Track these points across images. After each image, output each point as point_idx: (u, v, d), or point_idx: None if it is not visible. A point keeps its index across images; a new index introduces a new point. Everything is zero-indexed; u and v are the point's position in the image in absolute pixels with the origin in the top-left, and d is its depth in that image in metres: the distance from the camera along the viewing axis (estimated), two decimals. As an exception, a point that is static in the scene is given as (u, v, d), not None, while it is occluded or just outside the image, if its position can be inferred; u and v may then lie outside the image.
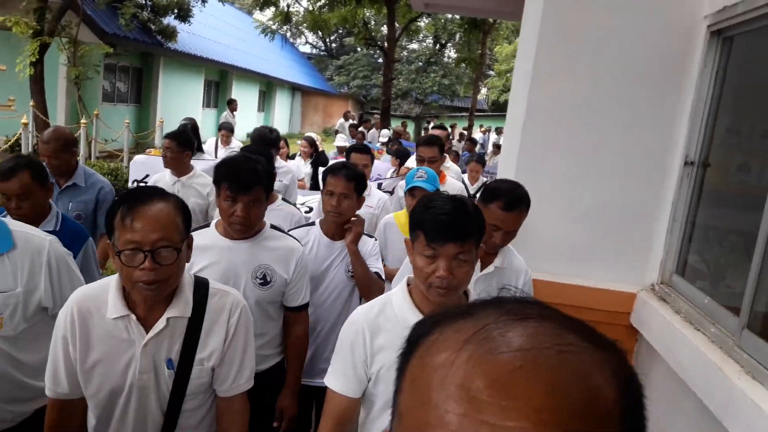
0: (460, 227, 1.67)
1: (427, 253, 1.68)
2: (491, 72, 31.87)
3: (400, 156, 6.87)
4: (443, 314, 0.53)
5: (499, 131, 20.15)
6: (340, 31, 27.42)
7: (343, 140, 9.72)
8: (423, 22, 26.60)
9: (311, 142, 7.43)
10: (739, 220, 2.43)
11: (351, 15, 16.79)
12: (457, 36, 27.82)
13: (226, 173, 2.26)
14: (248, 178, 2.23)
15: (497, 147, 13.61)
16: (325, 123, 29.27)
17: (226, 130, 8.26)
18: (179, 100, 18.04)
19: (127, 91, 16.60)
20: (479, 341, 0.46)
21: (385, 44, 17.69)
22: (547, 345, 0.46)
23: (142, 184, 4.73)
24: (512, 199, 2.23)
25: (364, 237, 2.83)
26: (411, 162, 5.50)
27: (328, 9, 17.52)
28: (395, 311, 1.75)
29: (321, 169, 5.17)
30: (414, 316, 1.69)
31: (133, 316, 1.67)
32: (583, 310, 2.68)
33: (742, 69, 2.58)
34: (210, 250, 2.29)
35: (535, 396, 0.42)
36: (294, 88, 29.26)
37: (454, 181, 4.64)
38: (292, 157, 7.43)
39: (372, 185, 4.34)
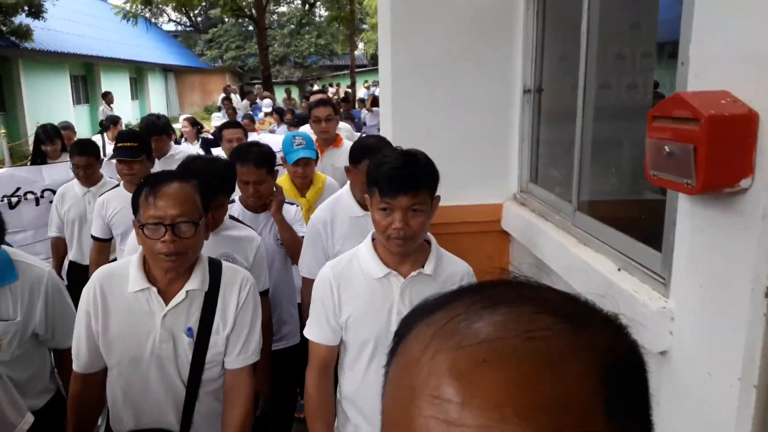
0: (411, 178, 1.75)
1: (382, 206, 1.77)
2: (365, 26, 32.20)
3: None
4: (423, 306, 0.51)
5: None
6: (204, 4, 26.64)
7: (219, 119, 9.81)
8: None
9: (192, 122, 7.62)
10: (568, 132, 3.07)
11: (214, -12, 16.48)
12: (325, -6, 27.80)
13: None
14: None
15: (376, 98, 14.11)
16: (205, 101, 28.59)
17: (113, 125, 8.18)
18: (47, 100, 17.17)
19: (-11, 100, 15.64)
20: (444, 335, 0.44)
21: (254, 12, 17.58)
22: (514, 333, 0.43)
23: (14, 198, 4.36)
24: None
25: (286, 205, 2.99)
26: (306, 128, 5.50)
27: (189, -16, 17.10)
28: (360, 264, 1.87)
29: (214, 150, 5.31)
30: (378, 269, 1.85)
31: (154, 289, 1.82)
32: (465, 224, 3.28)
33: (554, 9, 3.19)
34: None
35: (498, 391, 0.40)
36: (166, 70, 28.28)
37: (350, 142, 4.95)
38: (178, 142, 7.54)
39: None
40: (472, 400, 0.40)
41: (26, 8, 14.72)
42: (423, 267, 1.88)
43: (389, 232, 1.76)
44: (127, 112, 18.91)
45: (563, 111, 3.10)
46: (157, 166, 3.96)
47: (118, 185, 3.67)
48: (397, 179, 1.75)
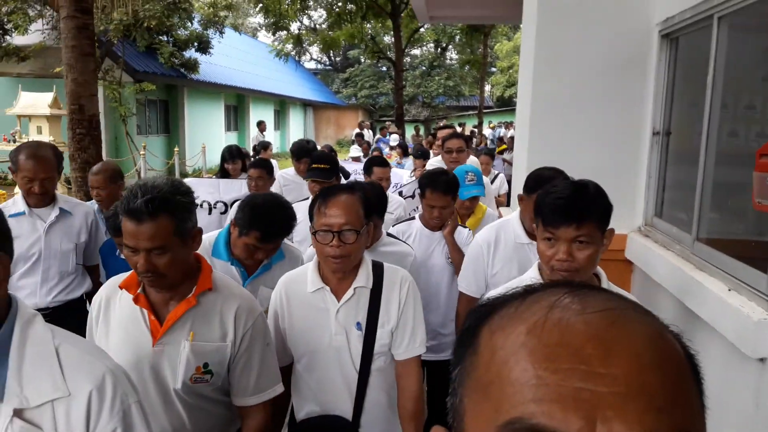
0: (575, 209, 1.72)
1: (546, 236, 1.78)
2: (493, 68, 32.78)
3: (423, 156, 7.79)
4: (497, 300, 0.55)
5: (508, 126, 21.05)
6: (344, 45, 28.71)
7: (357, 150, 10.60)
8: (423, 29, 27.62)
9: (329, 149, 8.39)
10: (690, 172, 3.36)
11: (358, 31, 17.82)
12: (457, 38, 28.75)
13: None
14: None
15: (512, 139, 14.48)
16: (338, 135, 30.38)
17: (263, 149, 9.21)
18: (204, 126, 19.22)
19: (157, 123, 17.80)
20: (563, 307, 0.48)
21: (393, 55, 18.72)
22: (623, 306, 0.49)
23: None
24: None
25: (459, 228, 3.27)
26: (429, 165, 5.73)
27: (336, 27, 18.56)
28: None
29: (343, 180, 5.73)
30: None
31: (328, 288, 2.04)
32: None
33: (684, 61, 3.53)
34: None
35: (633, 344, 0.45)
36: (305, 105, 30.42)
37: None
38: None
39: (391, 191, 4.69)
40: (614, 352, 0.44)
41: (196, 44, 16.71)
42: None
43: (553, 263, 1.76)
44: (271, 141, 20.62)
45: (688, 153, 3.41)
46: (303, 187, 4.39)
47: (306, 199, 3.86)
48: (560, 209, 1.74)
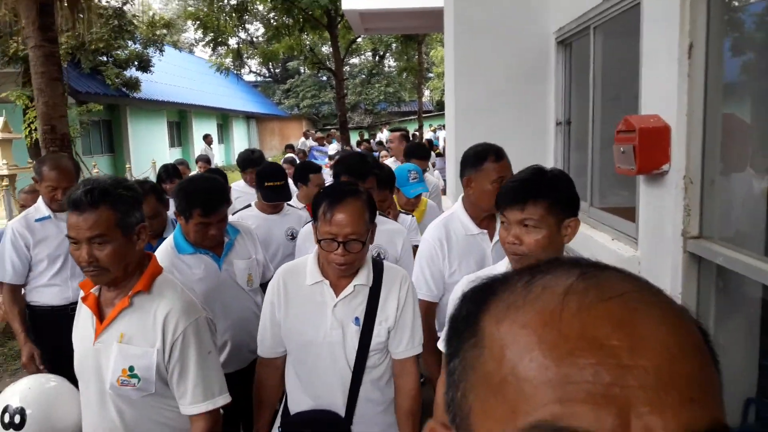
0: (521, 191, 1.70)
1: (501, 220, 1.79)
2: (431, 75, 33.81)
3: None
4: (494, 281, 0.51)
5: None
6: (282, 57, 29.11)
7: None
8: (361, 39, 28.32)
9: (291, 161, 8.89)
10: (584, 153, 4.07)
11: (296, 43, 18.34)
12: (393, 46, 29.62)
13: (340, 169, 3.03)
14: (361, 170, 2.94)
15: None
16: (283, 145, 30.66)
17: (203, 162, 9.21)
18: (148, 143, 19.33)
19: (101, 142, 17.83)
20: (580, 293, 0.45)
21: (333, 65, 19.33)
22: (640, 287, 0.46)
23: None
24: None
25: (401, 215, 3.46)
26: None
27: (275, 40, 19.03)
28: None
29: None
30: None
31: (327, 282, 2.03)
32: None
33: (575, 62, 4.26)
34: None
35: (660, 332, 0.42)
36: (248, 117, 30.65)
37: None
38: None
39: None
40: (641, 342, 0.42)
41: (136, 63, 16.86)
42: None
43: (505, 246, 1.75)
44: (215, 154, 20.85)
45: (584, 139, 4.13)
46: (253, 197, 4.17)
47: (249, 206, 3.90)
48: (509, 191, 1.74)
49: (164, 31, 17.52)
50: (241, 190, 4.96)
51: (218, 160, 22.25)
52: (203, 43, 19.55)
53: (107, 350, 1.83)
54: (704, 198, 2.40)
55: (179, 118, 23.05)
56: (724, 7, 2.37)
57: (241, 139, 29.54)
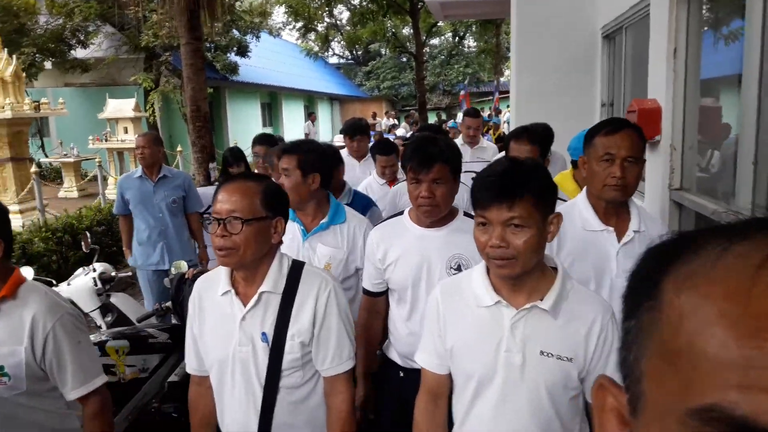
0: (507, 187, 1.48)
1: (479, 221, 1.54)
2: (510, 55, 34.01)
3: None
4: (682, 241, 0.46)
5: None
6: (365, 41, 30.36)
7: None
8: (441, 23, 29.09)
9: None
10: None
11: (380, 28, 19.46)
12: (473, 27, 30.16)
13: (408, 155, 2.19)
14: (428, 156, 2.12)
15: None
16: (364, 126, 31.96)
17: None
18: (244, 123, 21.11)
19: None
20: None
21: (413, 48, 20.38)
22: None
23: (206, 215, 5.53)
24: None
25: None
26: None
27: (360, 25, 20.22)
28: (472, 289, 1.64)
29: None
30: (488, 296, 1.59)
31: (233, 291, 1.82)
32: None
33: (616, 53, 5.16)
34: (402, 240, 2.26)
35: None
36: (332, 99, 32.18)
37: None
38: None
39: None
40: None
41: (235, 48, 18.52)
42: (541, 300, 1.56)
43: (487, 251, 1.53)
44: (301, 133, 22.44)
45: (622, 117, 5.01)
46: (358, 168, 4.65)
47: None
48: (491, 187, 1.52)
49: (260, 19, 19.06)
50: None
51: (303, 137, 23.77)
52: (292, 28, 20.98)
53: None
54: (684, 160, 3.34)
55: (270, 100, 24.78)
56: (701, 22, 3.28)
57: (325, 119, 31.12)
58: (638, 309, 0.46)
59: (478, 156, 5.16)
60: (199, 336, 1.93)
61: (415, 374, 2.21)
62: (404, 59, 33.17)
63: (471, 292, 1.65)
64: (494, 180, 1.53)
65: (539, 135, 3.24)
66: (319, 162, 2.63)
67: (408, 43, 24.21)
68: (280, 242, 1.87)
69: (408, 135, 14.71)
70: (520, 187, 1.50)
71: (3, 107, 8.92)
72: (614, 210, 2.14)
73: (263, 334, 1.82)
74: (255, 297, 1.82)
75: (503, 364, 1.58)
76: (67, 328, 1.96)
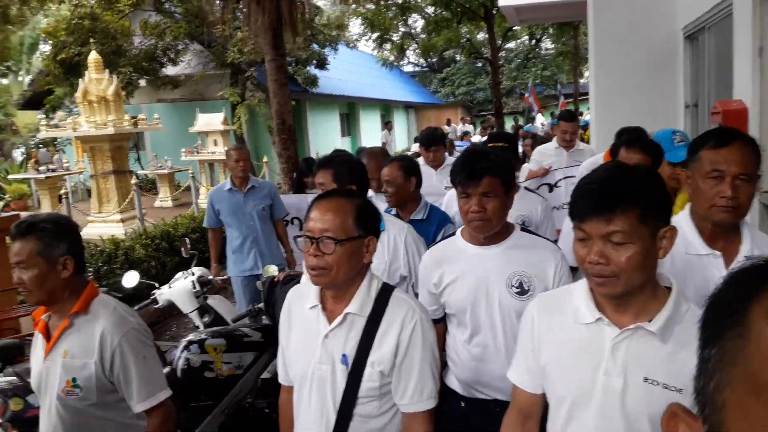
0: (605, 197, 1.35)
1: (579, 236, 1.42)
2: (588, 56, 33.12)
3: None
4: None
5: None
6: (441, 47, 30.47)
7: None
8: (517, 27, 28.76)
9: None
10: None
11: (455, 35, 19.52)
12: (550, 30, 29.65)
13: (457, 169, 2.12)
14: (477, 169, 2.04)
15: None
16: (440, 132, 32.01)
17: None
18: (324, 134, 21.71)
19: (284, 133, 20.46)
20: None
21: (489, 54, 20.33)
22: None
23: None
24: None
25: None
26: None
27: (434, 33, 20.35)
28: (573, 303, 1.52)
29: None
30: (588, 313, 1.47)
31: (320, 306, 1.78)
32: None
33: (699, 53, 5.03)
34: (457, 261, 2.18)
35: None
36: (407, 107, 32.44)
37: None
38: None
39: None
40: None
41: (315, 61, 19.10)
42: (649, 321, 1.42)
43: (586, 266, 1.41)
44: (379, 142, 22.80)
45: (708, 119, 4.89)
46: (435, 177, 4.52)
47: None
48: (588, 198, 1.40)
49: (337, 32, 19.58)
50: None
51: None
52: (368, 39, 21.36)
53: (54, 366, 2.06)
54: (773, 160, 3.26)
55: (348, 110, 25.32)
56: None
57: (401, 128, 31.41)
58: (720, 337, 0.44)
59: (575, 159, 4.79)
60: (285, 347, 1.92)
61: (478, 404, 2.16)
62: (479, 64, 32.97)
63: (570, 307, 1.53)
64: (594, 189, 1.41)
65: (653, 145, 2.92)
66: (353, 174, 2.70)
67: (483, 48, 24.10)
68: (370, 261, 1.83)
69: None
70: (623, 197, 1.36)
71: (106, 124, 9.66)
72: (722, 232, 1.87)
73: (344, 356, 1.76)
74: (340, 317, 1.77)
75: (601, 388, 1.45)
76: (132, 343, 2.05)
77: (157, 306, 4.30)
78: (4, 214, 4.50)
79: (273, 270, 3.87)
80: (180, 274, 4.41)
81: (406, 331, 1.74)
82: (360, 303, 1.77)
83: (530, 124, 18.83)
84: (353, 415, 1.76)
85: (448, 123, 20.61)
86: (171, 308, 4.53)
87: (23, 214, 4.43)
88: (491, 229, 2.10)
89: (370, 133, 25.64)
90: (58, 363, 2.05)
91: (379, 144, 22.57)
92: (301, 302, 1.88)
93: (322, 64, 19.04)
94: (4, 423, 3.00)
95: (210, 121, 12.17)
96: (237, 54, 14.25)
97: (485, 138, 5.78)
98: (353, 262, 1.74)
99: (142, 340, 2.11)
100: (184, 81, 16.43)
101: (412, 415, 1.79)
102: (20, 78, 24.37)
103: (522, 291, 2.07)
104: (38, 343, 2.17)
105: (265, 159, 13.05)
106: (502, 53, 35.49)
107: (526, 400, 1.64)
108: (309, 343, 1.81)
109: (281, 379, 2.01)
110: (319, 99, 21.00)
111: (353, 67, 27.71)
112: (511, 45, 36.48)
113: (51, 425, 2.09)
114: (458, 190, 2.11)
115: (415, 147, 12.92)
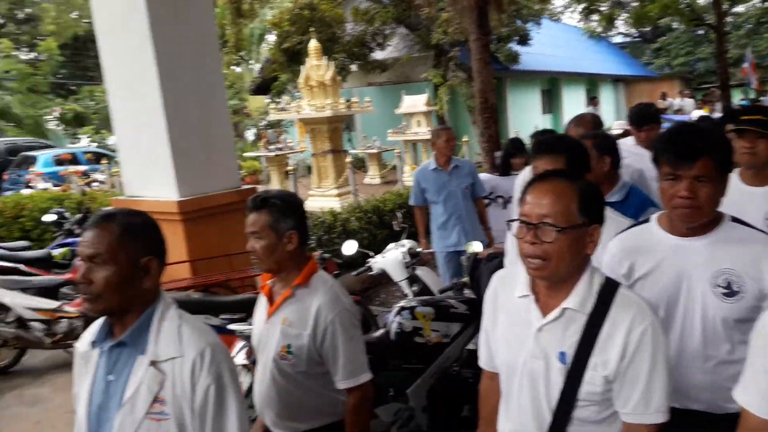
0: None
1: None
2: None
3: None
4: None
5: None
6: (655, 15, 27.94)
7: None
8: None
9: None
10: None
11: (672, 1, 17.88)
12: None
13: (662, 146, 1.88)
14: (691, 148, 1.79)
15: None
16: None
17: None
18: (524, 112, 21.37)
19: (484, 112, 20.52)
20: None
21: (712, 20, 18.28)
22: None
23: (486, 200, 5.30)
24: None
25: None
26: None
27: (648, 1, 18.82)
28: None
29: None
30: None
31: (533, 297, 1.67)
32: None
33: None
34: (652, 252, 1.96)
35: None
36: (616, 80, 30.46)
37: None
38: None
39: None
40: None
41: (516, 38, 18.78)
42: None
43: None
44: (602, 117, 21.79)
45: None
46: (646, 159, 3.60)
47: None
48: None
49: (541, 5, 19.03)
50: (631, 150, 4.07)
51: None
52: (573, 11, 20.41)
53: (274, 329, 2.21)
54: None
55: (550, 86, 24.53)
56: None
57: (608, 103, 29.66)
58: None
59: None
60: (491, 333, 1.83)
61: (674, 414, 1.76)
62: (700, 32, 29.75)
63: None
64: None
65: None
66: (583, 161, 2.48)
67: (706, 14, 21.70)
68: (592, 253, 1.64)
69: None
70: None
71: (324, 107, 10.60)
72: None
73: (561, 353, 1.62)
74: (557, 311, 1.63)
75: None
76: (344, 322, 2.14)
77: (371, 273, 4.75)
78: (244, 187, 5.20)
79: (477, 246, 4.06)
80: (392, 245, 4.80)
81: (634, 334, 1.56)
82: (581, 299, 1.61)
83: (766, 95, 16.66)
84: (571, 418, 1.62)
85: (663, 97, 18.96)
86: (381, 276, 4.97)
87: (259, 188, 5.10)
88: (700, 219, 1.84)
89: (574, 109, 24.45)
90: (277, 328, 2.20)
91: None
92: (509, 288, 1.77)
93: (524, 40, 18.68)
94: (249, 364, 3.56)
95: (414, 102, 12.75)
96: (441, 35, 14.61)
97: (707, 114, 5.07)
98: (574, 252, 1.58)
99: (353, 321, 2.20)
100: (391, 64, 17.17)
101: (633, 426, 1.61)
102: (251, 66, 27.41)
103: (730, 292, 1.82)
104: (262, 305, 2.35)
105: (465, 138, 13.27)
106: (729, 18, 31.61)
107: (760, 427, 1.43)
108: (518, 334, 1.70)
109: (483, 364, 1.91)
110: (519, 76, 20.66)
111: (556, 41, 26.70)
112: (739, 8, 32.35)
113: (264, 382, 2.26)
114: (663, 171, 1.86)
115: (618, 124, 12.22)
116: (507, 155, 5.19)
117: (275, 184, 12.81)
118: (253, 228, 2.15)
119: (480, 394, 1.97)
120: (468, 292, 3.88)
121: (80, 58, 32.10)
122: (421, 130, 12.40)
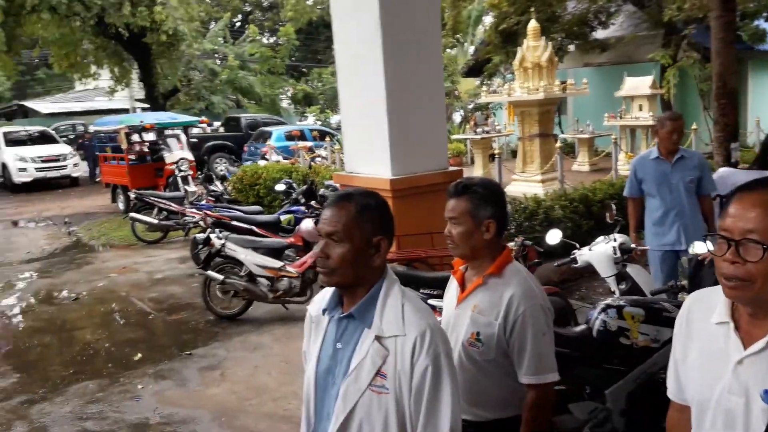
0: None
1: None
2: None
3: None
4: None
5: None
6: None
7: None
8: None
9: None
10: None
11: None
12: None
13: None
14: None
15: None
16: None
17: None
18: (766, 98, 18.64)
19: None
20: None
21: None
22: None
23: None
24: None
25: None
26: None
27: None
28: None
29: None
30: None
31: (732, 325, 1.48)
32: None
33: None
34: None
35: None
36: None
37: None
38: None
39: None
40: None
41: (765, 14, 16.32)
42: None
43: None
44: None
45: None
46: None
47: None
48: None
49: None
50: None
51: None
52: None
53: (463, 316, 2.22)
54: None
55: (804, 69, 21.08)
56: None
57: None
58: None
59: None
60: (681, 361, 1.63)
61: None
62: None
63: None
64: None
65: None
66: None
67: None
68: None
69: None
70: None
71: (537, 89, 10.34)
72: None
73: (766, 392, 1.40)
74: (762, 342, 1.42)
75: None
76: (536, 317, 2.11)
77: (575, 266, 4.58)
78: (451, 168, 5.31)
79: (701, 248, 3.69)
80: (601, 238, 4.56)
81: None
82: None
83: None
84: None
85: None
86: (583, 269, 4.75)
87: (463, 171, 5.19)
88: None
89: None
90: (467, 314, 2.20)
91: None
92: (705, 312, 1.56)
93: (776, 16, 16.21)
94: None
95: (637, 84, 11.82)
96: (675, 11, 13.30)
97: None
98: None
99: (546, 318, 2.17)
100: (613, 44, 16.15)
101: None
102: (465, 48, 27.59)
103: None
104: (452, 289, 2.36)
105: (693, 126, 12.02)
106: None
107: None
108: (713, 365, 1.50)
109: (671, 394, 1.71)
110: (765, 57, 17.99)
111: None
112: None
113: None
114: None
115: None
116: (766, 152, 4.72)
117: (478, 167, 12.86)
118: (452, 213, 2.18)
119: (667, 426, 1.79)
120: (684, 297, 3.61)
121: (311, 42, 35.07)
122: (643, 115, 11.47)
